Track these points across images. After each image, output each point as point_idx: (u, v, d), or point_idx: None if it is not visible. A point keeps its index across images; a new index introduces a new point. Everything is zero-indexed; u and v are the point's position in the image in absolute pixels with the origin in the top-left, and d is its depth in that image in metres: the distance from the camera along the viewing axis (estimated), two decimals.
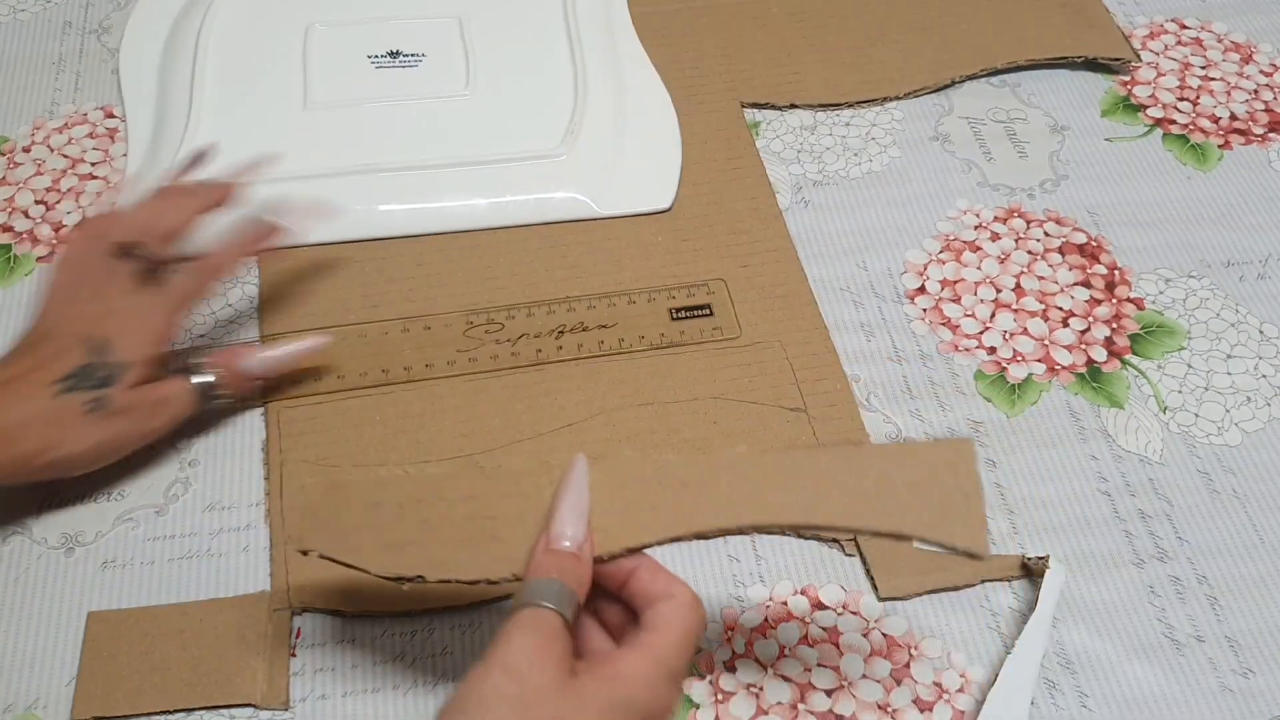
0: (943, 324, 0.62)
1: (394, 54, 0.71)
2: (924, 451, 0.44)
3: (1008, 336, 0.62)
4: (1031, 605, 0.52)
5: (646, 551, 0.44)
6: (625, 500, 0.45)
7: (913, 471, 0.43)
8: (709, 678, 0.50)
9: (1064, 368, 0.61)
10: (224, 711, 0.49)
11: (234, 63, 0.70)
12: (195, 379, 0.54)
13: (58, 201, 0.66)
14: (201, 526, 0.54)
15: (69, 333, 0.52)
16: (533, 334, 0.60)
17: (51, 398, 0.50)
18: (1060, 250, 0.65)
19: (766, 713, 0.49)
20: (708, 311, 0.61)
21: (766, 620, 0.52)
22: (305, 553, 0.46)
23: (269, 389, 0.57)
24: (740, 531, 0.44)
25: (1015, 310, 0.63)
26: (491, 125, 0.68)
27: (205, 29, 0.71)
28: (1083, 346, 0.61)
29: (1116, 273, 0.64)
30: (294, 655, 0.50)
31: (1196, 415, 0.59)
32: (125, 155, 0.68)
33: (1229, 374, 0.61)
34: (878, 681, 0.51)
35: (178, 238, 0.56)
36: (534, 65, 0.71)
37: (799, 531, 0.51)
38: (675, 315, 0.61)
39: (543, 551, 0.43)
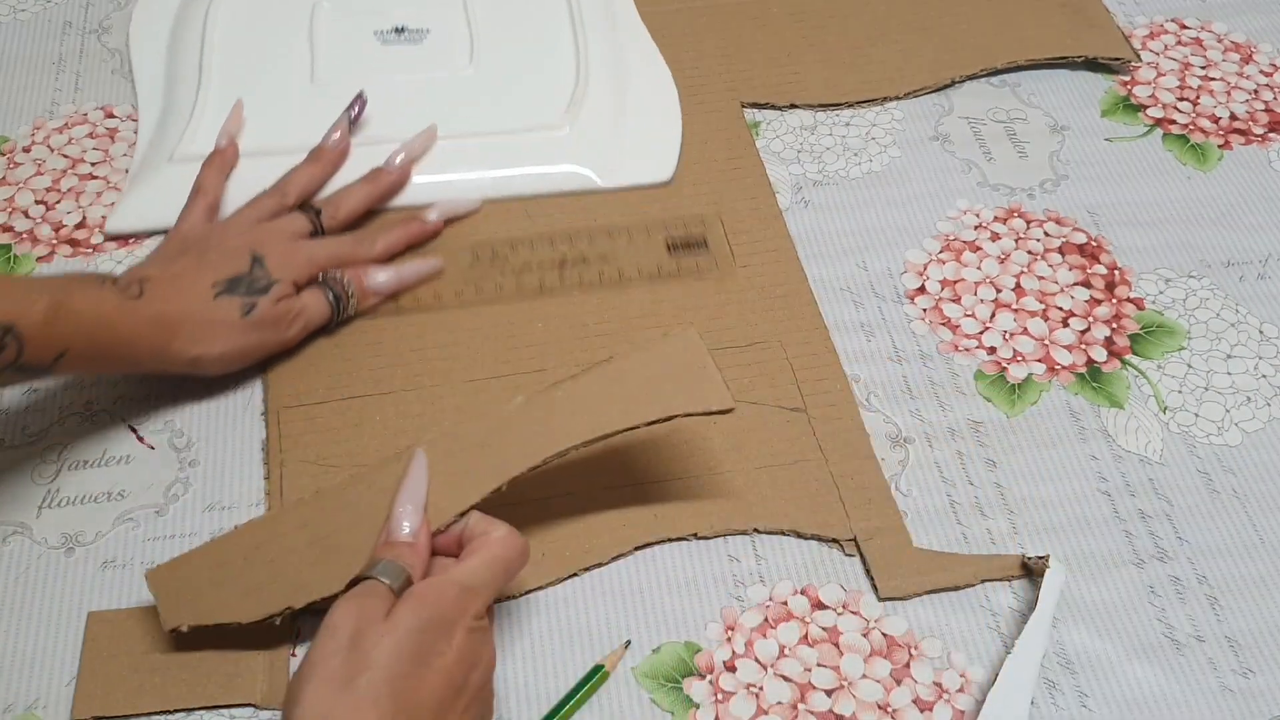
0: (943, 324, 0.62)
1: (399, 30, 0.72)
2: (658, 349, 0.52)
3: (1008, 336, 0.62)
4: (1031, 605, 0.52)
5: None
6: (443, 474, 0.50)
7: (657, 368, 0.52)
8: (709, 677, 0.50)
9: (1064, 368, 0.61)
10: (224, 711, 0.49)
11: (242, 39, 0.71)
12: (331, 293, 0.59)
13: (58, 201, 0.66)
14: (202, 527, 0.54)
15: (234, 245, 0.58)
16: (536, 265, 0.63)
17: (211, 298, 0.56)
18: (1060, 250, 0.65)
19: (766, 712, 0.50)
20: (703, 245, 0.63)
21: (766, 620, 0.52)
22: (175, 631, 0.49)
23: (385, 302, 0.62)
24: (544, 464, 0.50)
25: (1015, 310, 0.63)
26: (495, 100, 0.69)
27: (213, 6, 0.72)
28: (1083, 346, 0.61)
29: (1116, 273, 0.64)
30: (294, 655, 0.50)
31: (1196, 415, 0.59)
32: (129, 152, 0.68)
33: (1229, 374, 0.61)
34: (878, 681, 0.51)
35: (349, 219, 0.63)
36: (536, 40, 0.72)
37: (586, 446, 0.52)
38: (672, 249, 0.63)
39: (380, 547, 0.48)
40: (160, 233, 0.63)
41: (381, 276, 0.61)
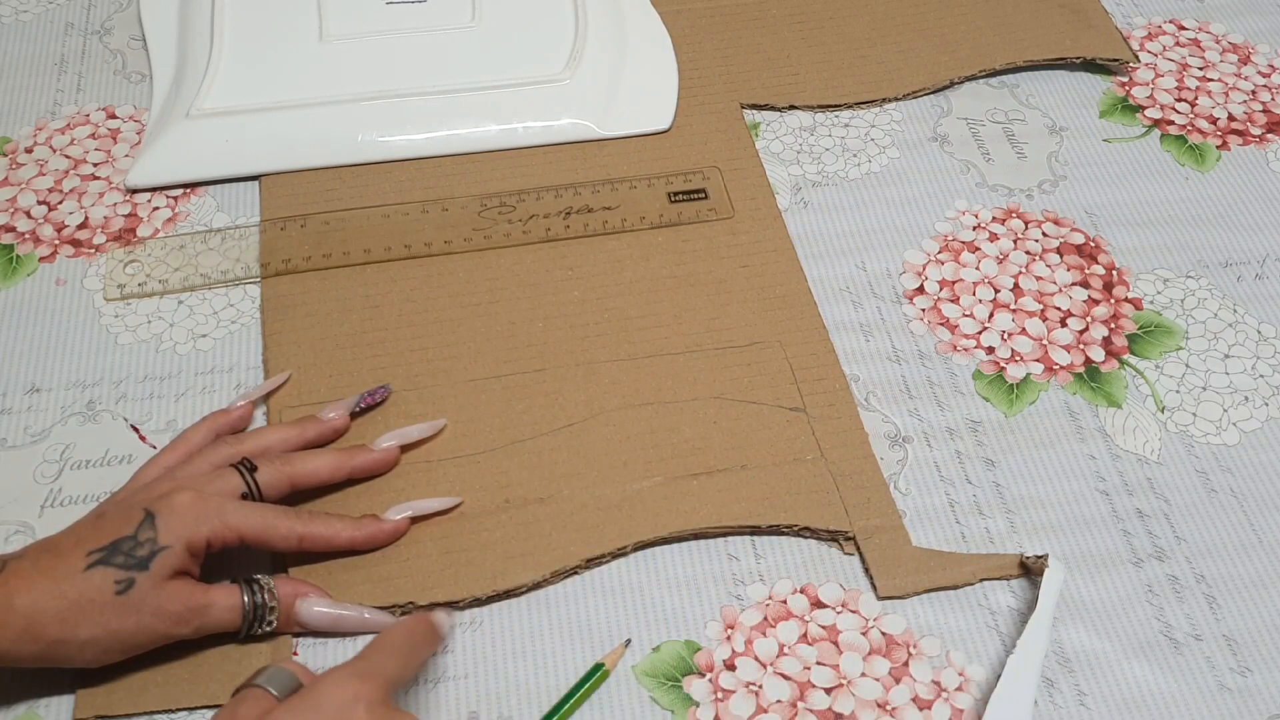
0: (941, 324, 0.62)
1: None
2: (790, 467, 0.56)
3: (1006, 336, 0.62)
4: (1030, 604, 0.52)
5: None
6: (576, 527, 0.54)
7: (785, 481, 0.55)
8: (709, 675, 0.51)
9: (1062, 367, 0.61)
10: None
11: (252, 2, 0.73)
12: (249, 598, 0.49)
13: (60, 202, 0.66)
14: None
15: (135, 502, 0.48)
16: (542, 214, 0.65)
17: (81, 570, 0.45)
18: (1058, 250, 0.65)
19: (766, 710, 0.50)
20: (703, 194, 0.66)
21: (766, 619, 0.52)
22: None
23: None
24: (670, 537, 0.54)
25: (1013, 310, 0.63)
26: (497, 54, 0.71)
27: None
28: (1081, 346, 0.62)
29: (1114, 273, 0.65)
30: (295, 654, 0.51)
31: (1194, 415, 0.59)
32: (131, 153, 0.68)
33: (1227, 374, 0.61)
34: (877, 680, 0.51)
35: (298, 488, 0.52)
36: None
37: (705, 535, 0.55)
38: (674, 198, 0.66)
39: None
40: (179, 185, 0.66)
41: (318, 610, 0.50)
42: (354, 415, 0.56)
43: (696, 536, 0.54)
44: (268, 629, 0.50)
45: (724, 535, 0.54)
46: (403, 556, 0.53)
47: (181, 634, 0.48)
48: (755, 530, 0.55)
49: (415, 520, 0.53)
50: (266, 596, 0.49)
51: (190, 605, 0.47)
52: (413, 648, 0.46)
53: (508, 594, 0.52)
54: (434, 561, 0.53)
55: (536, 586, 0.53)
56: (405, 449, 0.56)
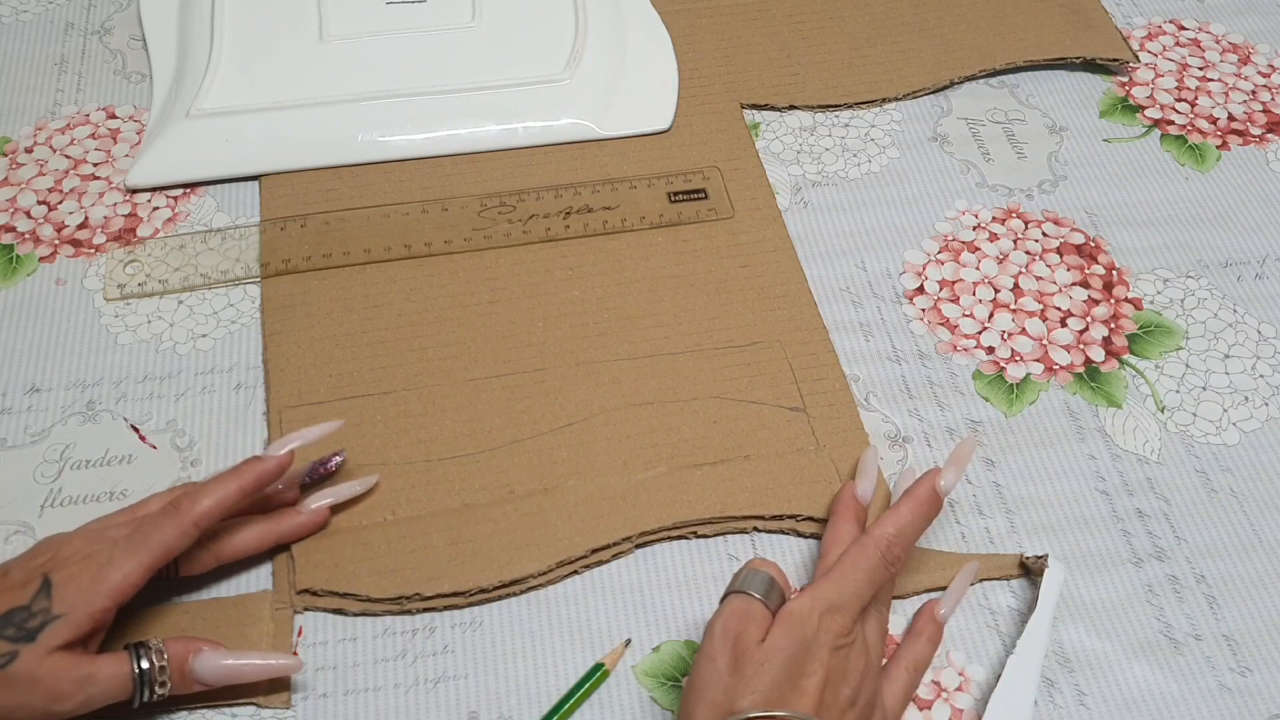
0: (941, 324, 0.62)
1: None
2: (790, 458, 0.56)
3: (1006, 336, 0.62)
4: (1030, 604, 0.52)
5: None
6: (582, 517, 0.54)
7: (785, 472, 0.56)
8: None
9: (1062, 367, 0.61)
10: (226, 709, 0.49)
11: (252, 2, 0.73)
12: (137, 664, 0.45)
13: (60, 202, 0.66)
14: None
15: (38, 566, 0.45)
16: (542, 214, 0.65)
17: None
18: (1058, 250, 0.65)
19: None
20: (703, 194, 0.66)
21: None
22: (306, 591, 0.51)
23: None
24: (674, 529, 0.54)
25: (1013, 310, 0.63)
26: (497, 54, 0.71)
27: None
28: (1081, 346, 0.62)
29: (1114, 273, 0.65)
30: (296, 654, 0.51)
31: (1194, 415, 0.59)
32: (131, 153, 0.68)
33: (1227, 374, 0.61)
34: None
35: (224, 563, 0.51)
36: None
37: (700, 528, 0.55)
38: (674, 198, 0.66)
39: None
40: (179, 185, 0.66)
41: (211, 665, 0.46)
42: (303, 486, 0.54)
43: (700, 524, 0.54)
44: (160, 694, 0.46)
45: (726, 523, 0.54)
46: (409, 548, 0.53)
47: (65, 710, 0.44)
48: (759, 518, 0.55)
49: (335, 508, 0.53)
50: (156, 658, 0.46)
51: (72, 678, 0.44)
52: (871, 572, 0.48)
53: (513, 584, 0.52)
54: (440, 553, 0.53)
55: (541, 577, 0.53)
56: (338, 508, 0.53)
